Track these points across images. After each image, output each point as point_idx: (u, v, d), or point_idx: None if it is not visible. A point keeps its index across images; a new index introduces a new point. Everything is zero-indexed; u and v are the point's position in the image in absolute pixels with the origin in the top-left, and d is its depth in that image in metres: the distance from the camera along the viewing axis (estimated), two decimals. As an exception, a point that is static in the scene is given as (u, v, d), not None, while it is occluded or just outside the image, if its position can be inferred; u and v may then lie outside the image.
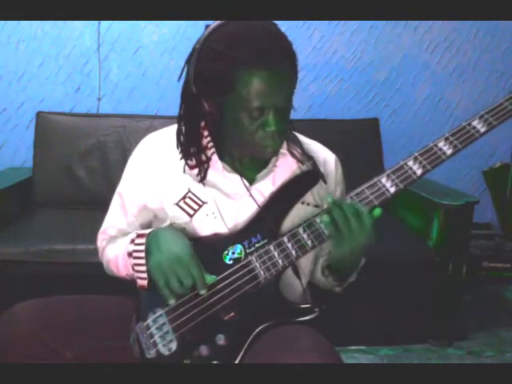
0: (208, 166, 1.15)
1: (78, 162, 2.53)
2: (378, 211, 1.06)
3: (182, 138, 1.15)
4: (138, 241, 1.14)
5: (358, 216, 1.03)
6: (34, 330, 1.06)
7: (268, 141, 1.07)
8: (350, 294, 1.22)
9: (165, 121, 2.37)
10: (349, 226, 1.03)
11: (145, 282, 1.12)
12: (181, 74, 1.11)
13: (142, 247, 1.12)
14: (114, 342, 1.12)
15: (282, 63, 1.02)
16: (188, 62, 1.09)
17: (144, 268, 1.11)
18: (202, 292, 1.06)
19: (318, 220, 1.09)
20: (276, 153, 1.13)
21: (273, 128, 1.05)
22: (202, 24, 1.09)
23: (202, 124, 1.16)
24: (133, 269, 1.14)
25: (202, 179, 1.15)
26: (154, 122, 2.55)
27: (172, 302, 1.06)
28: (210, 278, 1.07)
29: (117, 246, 1.21)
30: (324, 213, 1.07)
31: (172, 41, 2.77)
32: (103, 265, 1.28)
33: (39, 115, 2.56)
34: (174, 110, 1.16)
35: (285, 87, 1.04)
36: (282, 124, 1.06)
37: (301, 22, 2.80)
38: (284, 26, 1.08)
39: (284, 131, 1.11)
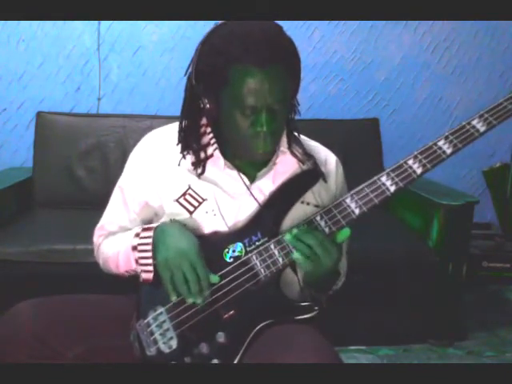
0: (206, 160, 1.15)
1: (78, 162, 2.53)
2: (345, 232, 1.06)
3: (183, 133, 1.15)
4: (143, 234, 1.14)
5: (320, 244, 1.02)
6: (35, 329, 1.06)
7: (258, 141, 1.07)
8: (350, 295, 1.21)
9: (165, 121, 2.33)
10: (313, 254, 1.03)
11: (150, 276, 1.12)
12: (186, 71, 1.12)
13: (149, 240, 1.12)
14: (114, 342, 1.13)
15: (276, 63, 1.01)
16: (192, 59, 1.10)
17: (150, 261, 1.11)
18: (205, 293, 1.05)
19: (317, 218, 1.08)
20: (267, 155, 1.13)
21: (264, 129, 1.04)
22: (202, 24, 1.10)
23: (206, 121, 1.16)
24: (137, 262, 1.14)
25: (201, 174, 1.14)
26: (154, 122, 2.54)
27: (174, 298, 1.06)
28: (214, 278, 1.07)
29: (116, 241, 1.21)
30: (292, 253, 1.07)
31: (172, 41, 2.76)
32: (99, 261, 1.28)
33: (39, 115, 2.56)
34: (173, 110, 1.16)
35: (278, 88, 1.03)
36: (273, 125, 1.06)
37: (301, 22, 2.80)
38: (284, 25, 1.08)
39: (276, 133, 1.10)
